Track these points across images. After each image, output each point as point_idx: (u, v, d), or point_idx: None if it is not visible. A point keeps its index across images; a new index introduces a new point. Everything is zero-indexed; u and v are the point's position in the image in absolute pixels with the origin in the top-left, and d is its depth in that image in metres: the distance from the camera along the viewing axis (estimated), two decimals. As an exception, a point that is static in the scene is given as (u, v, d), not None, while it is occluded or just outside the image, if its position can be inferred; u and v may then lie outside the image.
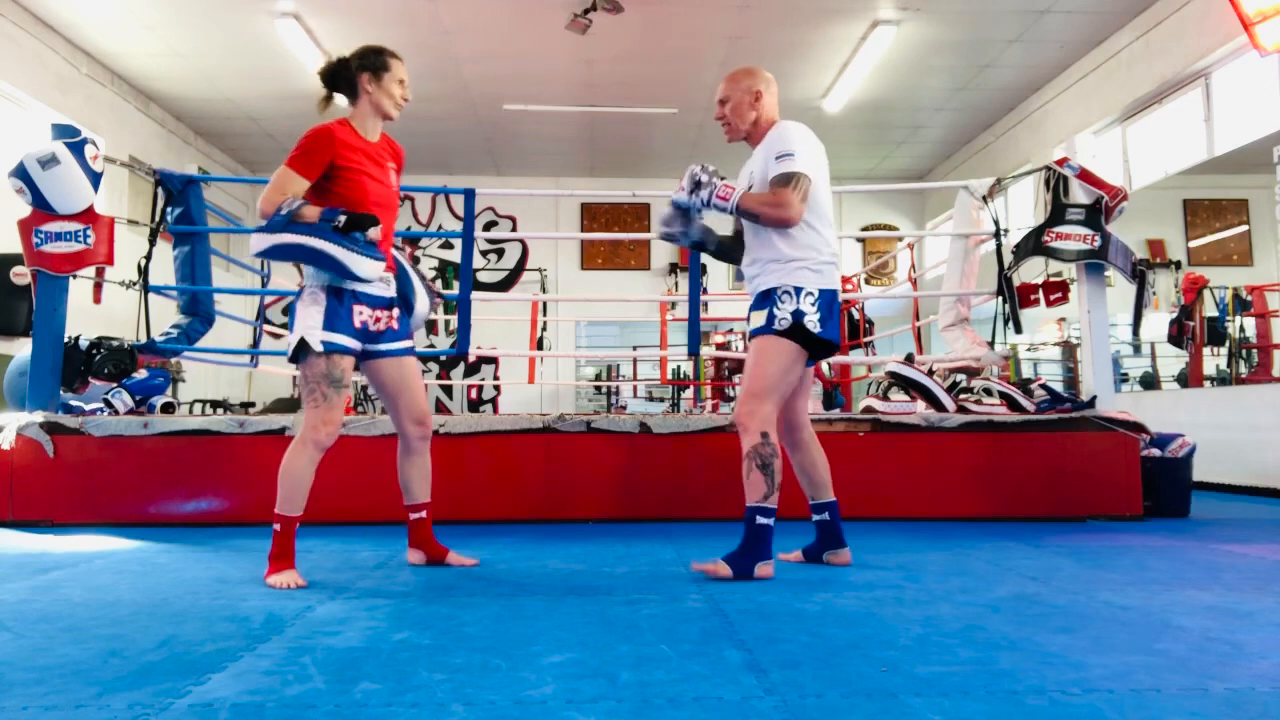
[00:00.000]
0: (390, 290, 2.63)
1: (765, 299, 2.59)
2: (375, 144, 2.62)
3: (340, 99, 2.64)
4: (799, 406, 2.74)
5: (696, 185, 2.55)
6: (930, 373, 4.47)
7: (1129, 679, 1.53)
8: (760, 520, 2.49)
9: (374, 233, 2.43)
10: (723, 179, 2.57)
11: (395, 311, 2.64)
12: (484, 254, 11.81)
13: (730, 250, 2.83)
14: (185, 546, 3.15)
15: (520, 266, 11.87)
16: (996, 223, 4.63)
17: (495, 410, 11.24)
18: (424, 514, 2.75)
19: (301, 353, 2.47)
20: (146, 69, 8.34)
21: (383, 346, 2.61)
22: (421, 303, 2.74)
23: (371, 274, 2.46)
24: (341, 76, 2.59)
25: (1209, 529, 3.73)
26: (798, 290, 2.54)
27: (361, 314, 2.53)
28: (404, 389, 2.66)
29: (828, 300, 2.57)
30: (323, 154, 2.47)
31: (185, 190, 4.61)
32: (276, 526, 2.45)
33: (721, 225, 2.87)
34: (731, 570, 2.48)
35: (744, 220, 2.65)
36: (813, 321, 2.53)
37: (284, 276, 7.38)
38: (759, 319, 2.59)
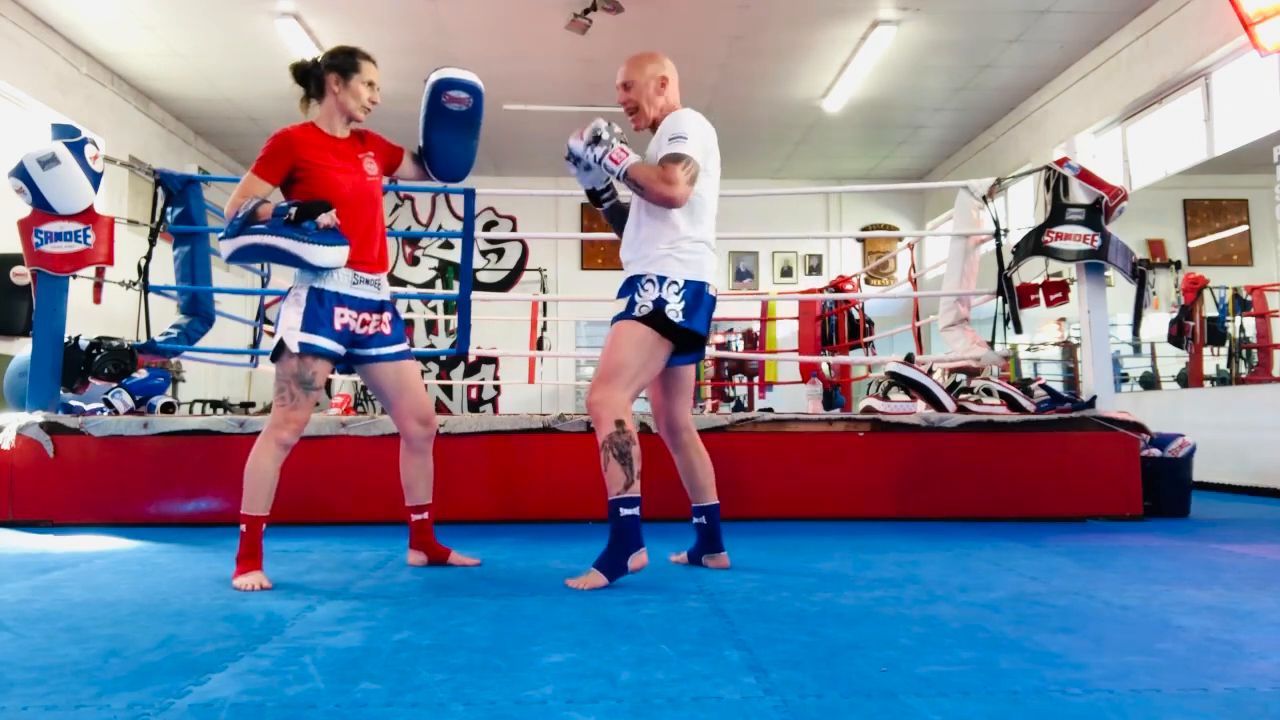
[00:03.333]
0: (380, 293, 2.61)
1: (629, 286, 2.53)
2: (344, 139, 2.61)
3: None
4: (679, 409, 2.68)
5: (595, 139, 2.48)
6: (930, 373, 4.47)
7: (1129, 679, 1.53)
8: (624, 512, 2.36)
9: (325, 219, 2.39)
10: (623, 143, 2.51)
11: (386, 315, 2.62)
12: (484, 254, 11.82)
13: (617, 219, 2.76)
14: (185, 546, 3.15)
15: (520, 266, 11.88)
16: (996, 223, 4.63)
17: (495, 410, 11.24)
18: (426, 515, 2.74)
19: (279, 352, 2.47)
20: (146, 69, 8.34)
21: (373, 351, 2.60)
22: None
23: (329, 262, 2.41)
24: (311, 75, 2.61)
25: (1209, 529, 3.72)
26: (661, 279, 2.47)
27: (344, 316, 2.50)
28: (404, 390, 2.64)
29: (694, 291, 2.48)
30: (282, 157, 2.49)
31: (185, 190, 4.61)
32: (243, 527, 2.45)
33: (624, 192, 2.75)
34: (605, 576, 2.35)
35: (634, 196, 2.58)
36: (675, 310, 2.44)
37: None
38: (620, 305, 2.52)
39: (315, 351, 2.46)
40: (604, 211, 2.80)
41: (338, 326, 2.49)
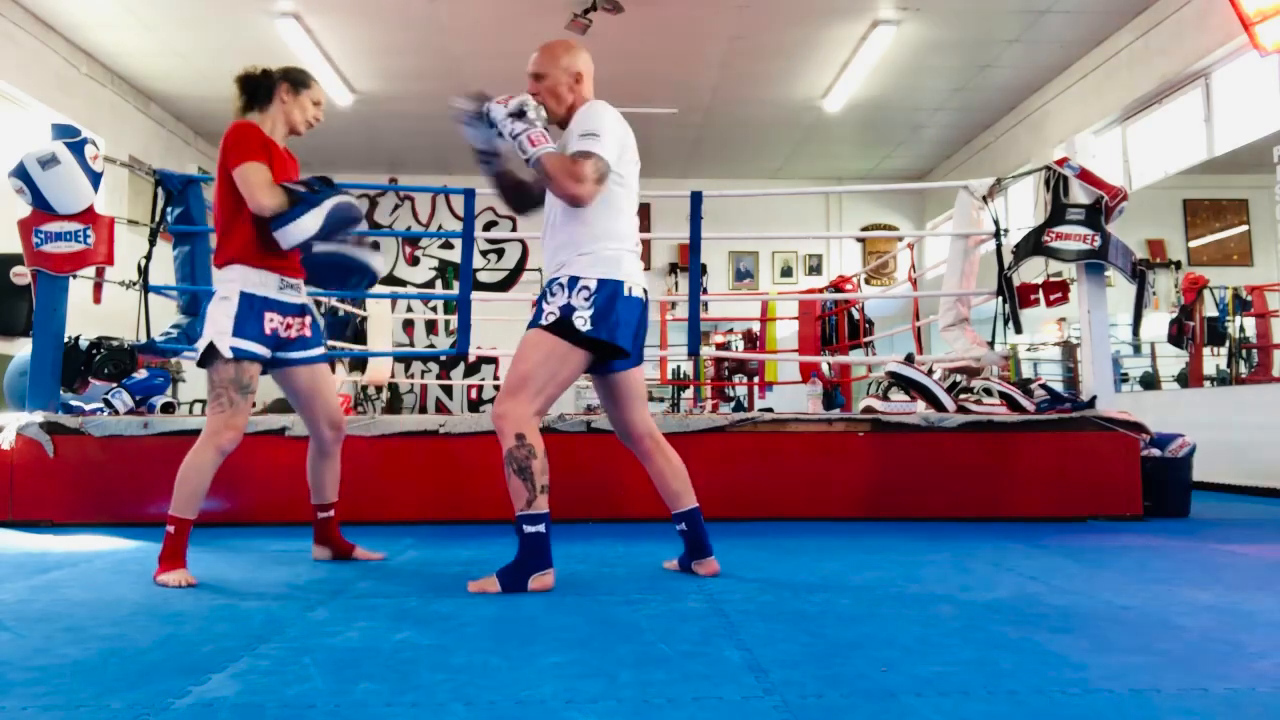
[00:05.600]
0: (301, 297, 2.63)
1: (542, 291, 2.40)
2: (283, 148, 2.65)
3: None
4: (634, 417, 2.52)
5: (520, 114, 2.25)
6: (930, 373, 4.47)
7: (1129, 679, 1.53)
8: (528, 529, 2.25)
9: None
10: (546, 127, 2.33)
11: (307, 319, 2.64)
12: (484, 254, 11.81)
13: (508, 190, 2.57)
14: (185, 546, 3.14)
15: (520, 266, 11.87)
16: (996, 223, 4.63)
17: (495, 410, 11.21)
18: (331, 513, 2.80)
19: (210, 357, 2.44)
20: (146, 69, 8.34)
21: (294, 355, 2.61)
22: None
23: (381, 270, 2.61)
24: (261, 85, 2.64)
25: (1209, 529, 3.73)
26: (572, 282, 2.30)
27: (272, 321, 2.52)
28: (317, 394, 2.67)
29: (609, 293, 2.30)
30: (262, 141, 2.51)
31: (185, 190, 4.62)
32: (170, 528, 2.45)
33: (522, 169, 2.51)
34: (500, 584, 2.27)
35: (551, 197, 2.40)
36: (583, 318, 2.27)
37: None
38: (534, 311, 2.37)
39: (249, 356, 2.46)
40: (493, 177, 2.53)
41: (267, 330, 2.51)
